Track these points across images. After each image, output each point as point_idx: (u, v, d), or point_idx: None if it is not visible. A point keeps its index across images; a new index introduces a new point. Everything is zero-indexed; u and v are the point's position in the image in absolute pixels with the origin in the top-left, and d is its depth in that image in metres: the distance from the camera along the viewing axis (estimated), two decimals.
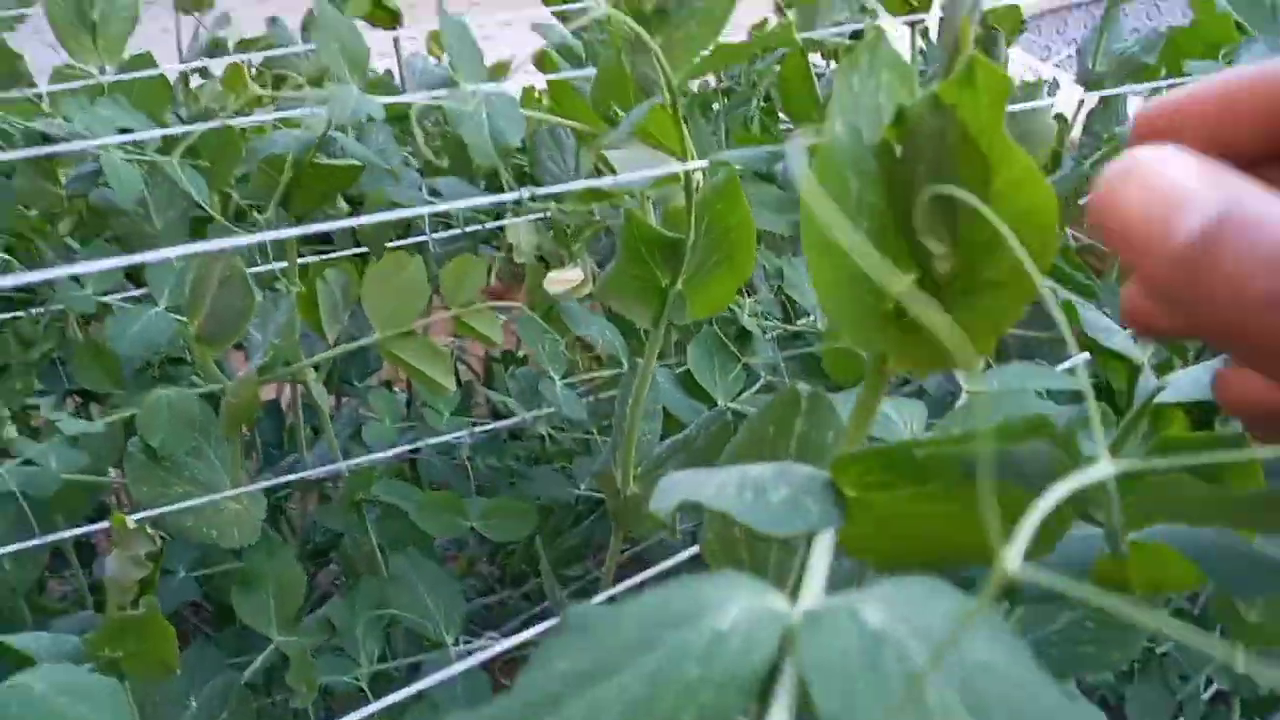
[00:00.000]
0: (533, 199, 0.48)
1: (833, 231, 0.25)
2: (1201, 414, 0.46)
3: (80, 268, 0.35)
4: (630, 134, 0.42)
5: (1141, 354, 0.51)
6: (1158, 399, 0.47)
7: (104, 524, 1.01)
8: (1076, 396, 0.60)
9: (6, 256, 0.99)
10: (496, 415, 1.03)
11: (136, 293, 0.87)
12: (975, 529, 0.25)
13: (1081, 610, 0.50)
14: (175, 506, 0.56)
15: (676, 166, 0.43)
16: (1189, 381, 0.48)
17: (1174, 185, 0.18)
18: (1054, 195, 0.26)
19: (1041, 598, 0.48)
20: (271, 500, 0.97)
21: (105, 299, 0.83)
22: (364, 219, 0.46)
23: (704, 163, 0.43)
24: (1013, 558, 0.16)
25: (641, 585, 0.68)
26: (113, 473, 0.85)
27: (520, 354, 1.22)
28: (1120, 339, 0.51)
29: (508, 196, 0.48)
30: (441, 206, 0.53)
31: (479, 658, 0.44)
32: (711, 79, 1.19)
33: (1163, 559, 0.33)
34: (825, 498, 0.24)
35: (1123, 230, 0.19)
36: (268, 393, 1.09)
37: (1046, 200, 0.26)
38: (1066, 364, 0.62)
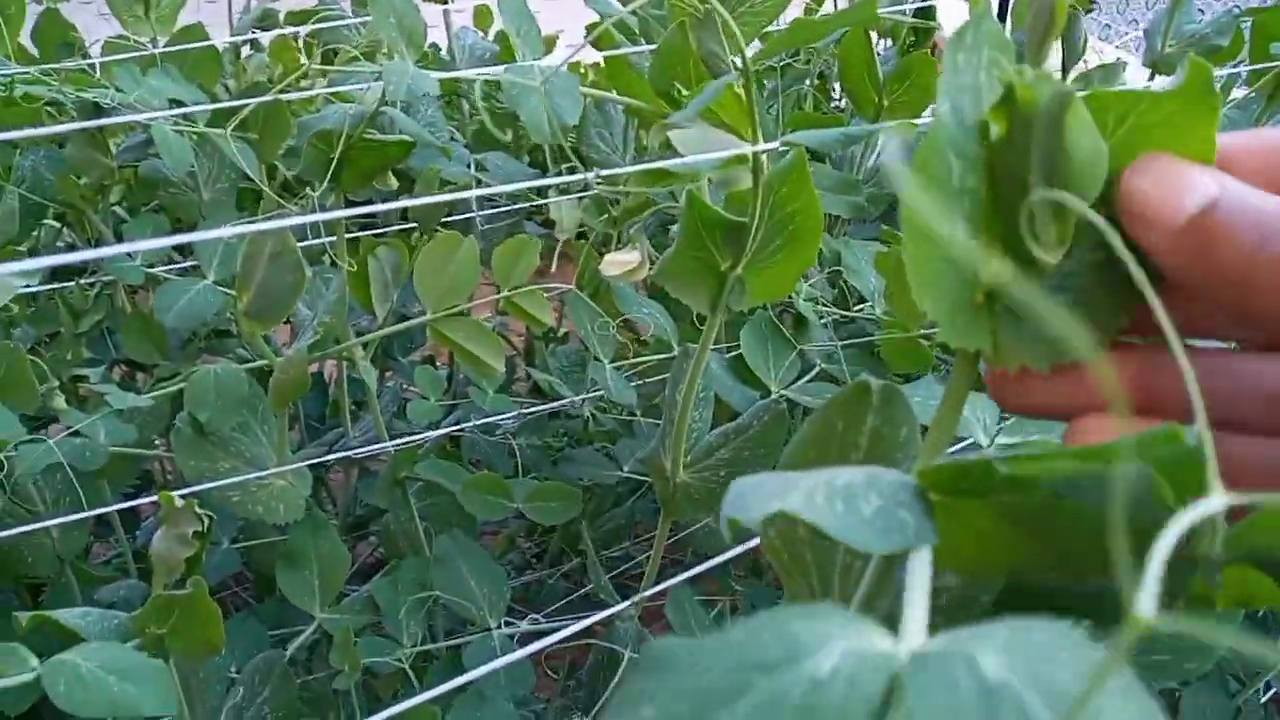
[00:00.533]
0: (598, 180, 0.47)
1: (929, 221, 0.24)
2: None
3: (133, 246, 0.34)
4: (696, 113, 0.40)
5: None
6: None
7: (151, 497, 1.02)
8: None
9: (57, 225, 0.99)
10: (538, 390, 1.02)
11: (185, 264, 0.87)
12: (1069, 544, 0.24)
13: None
14: (222, 482, 0.56)
15: (746, 148, 0.41)
16: None
17: (1182, 175, 0.22)
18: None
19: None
20: (313, 473, 0.97)
21: (154, 270, 0.83)
22: (414, 201, 0.44)
23: (775, 144, 0.42)
24: (1146, 603, 0.14)
25: (686, 578, 0.66)
26: (157, 443, 0.86)
27: (562, 331, 1.21)
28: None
29: (574, 178, 0.46)
30: (502, 189, 0.52)
31: (530, 649, 0.43)
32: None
33: (1251, 578, 0.31)
34: (918, 509, 0.22)
35: (1140, 209, 0.23)
36: (311, 366, 1.09)
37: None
38: None
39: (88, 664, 0.39)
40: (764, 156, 0.43)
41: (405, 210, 0.85)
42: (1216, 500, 0.19)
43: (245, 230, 0.43)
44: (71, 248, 0.99)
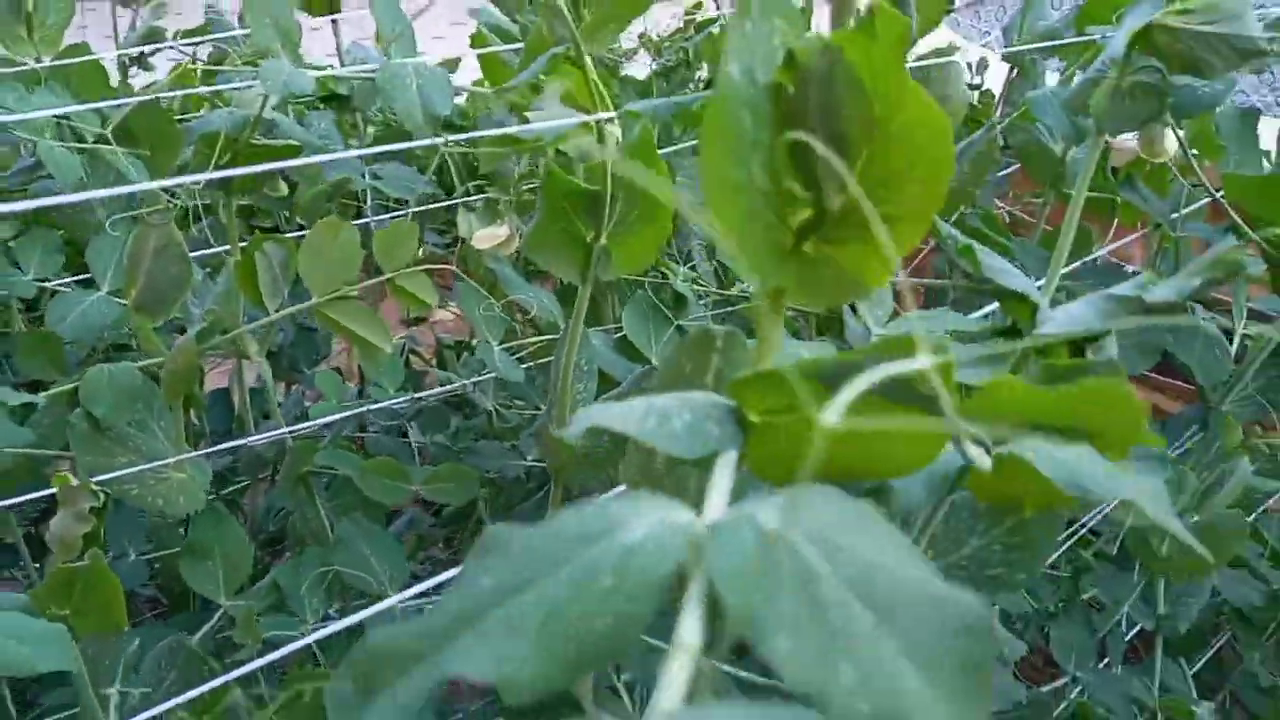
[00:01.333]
0: (447, 144, 0.50)
1: (725, 168, 0.27)
2: (1078, 345, 0.50)
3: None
4: (536, 87, 0.44)
5: (1040, 295, 0.54)
6: (1041, 332, 0.51)
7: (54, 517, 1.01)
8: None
9: None
10: (448, 400, 1.05)
11: (79, 278, 0.87)
12: (869, 448, 0.27)
13: (989, 535, 0.53)
14: (119, 473, 0.57)
15: (586, 117, 0.45)
16: (1065, 316, 0.51)
17: None
18: (950, 131, 0.28)
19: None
20: (225, 494, 0.98)
21: (47, 284, 0.83)
22: (294, 162, 0.47)
23: (613, 113, 0.46)
24: (831, 413, 0.18)
25: None
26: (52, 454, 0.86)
27: (473, 342, 1.24)
28: (1020, 281, 0.54)
29: (423, 143, 0.50)
30: (373, 150, 0.55)
31: (419, 588, 0.46)
32: (651, 61, 1.22)
33: (1027, 472, 0.35)
34: (727, 421, 0.25)
35: None
36: (219, 381, 1.10)
37: (943, 136, 0.28)
38: (981, 311, 0.65)
39: None
40: (616, 129, 0.47)
41: (296, 216, 0.87)
42: (921, 359, 0.22)
43: (116, 191, 0.45)
44: None
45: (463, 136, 0.56)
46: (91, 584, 0.47)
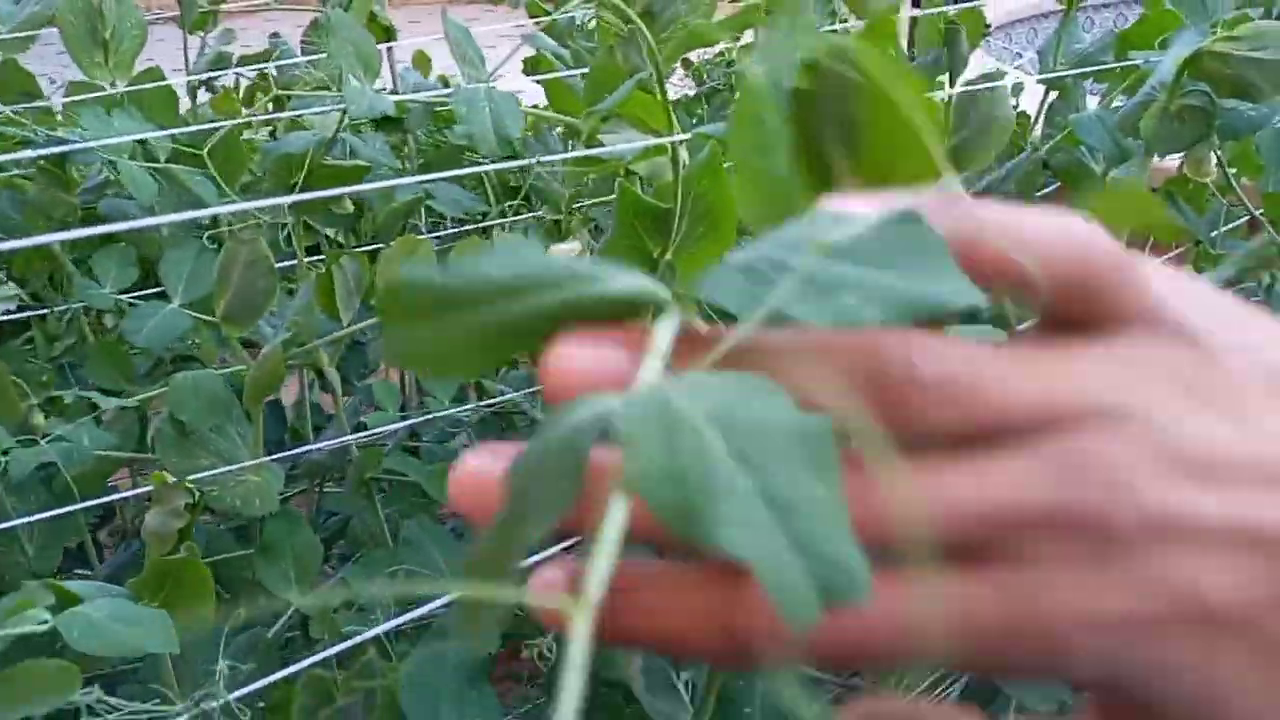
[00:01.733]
0: (539, 163, 0.53)
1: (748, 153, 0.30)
2: None
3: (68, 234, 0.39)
4: (617, 112, 0.47)
5: None
6: None
7: (113, 523, 1.06)
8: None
9: (5, 281, 1.03)
10: (495, 413, 1.08)
11: (150, 291, 0.91)
12: None
13: None
14: (202, 474, 0.60)
15: (662, 139, 0.48)
16: None
17: None
18: (936, 109, 0.30)
19: None
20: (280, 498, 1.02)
21: (121, 297, 0.87)
22: (363, 187, 0.50)
23: (686, 135, 0.48)
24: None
25: None
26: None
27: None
28: None
29: (520, 163, 0.53)
30: (482, 169, 0.58)
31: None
32: (694, 86, 1.25)
33: None
34: None
35: None
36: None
37: (930, 113, 0.31)
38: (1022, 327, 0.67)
39: (98, 614, 0.44)
40: (683, 150, 0.50)
41: (362, 234, 0.91)
42: None
43: (180, 217, 0.48)
44: (21, 302, 1.02)
45: (552, 159, 0.59)
46: (184, 577, 0.50)
